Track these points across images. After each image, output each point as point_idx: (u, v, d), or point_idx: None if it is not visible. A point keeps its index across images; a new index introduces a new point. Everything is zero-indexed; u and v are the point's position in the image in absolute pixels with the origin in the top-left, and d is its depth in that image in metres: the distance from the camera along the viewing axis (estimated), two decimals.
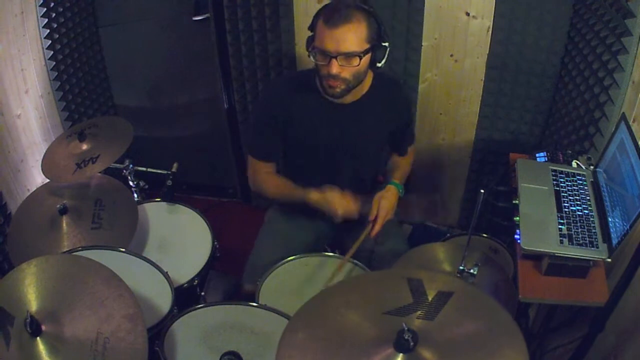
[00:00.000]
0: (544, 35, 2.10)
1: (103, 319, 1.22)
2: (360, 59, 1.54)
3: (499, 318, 1.16)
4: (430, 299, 1.18)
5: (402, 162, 1.98)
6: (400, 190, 1.86)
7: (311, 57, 1.59)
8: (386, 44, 1.58)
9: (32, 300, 1.23)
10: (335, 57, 1.52)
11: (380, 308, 1.17)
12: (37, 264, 1.28)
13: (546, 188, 1.68)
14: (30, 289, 1.25)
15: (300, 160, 1.88)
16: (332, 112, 1.73)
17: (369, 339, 1.12)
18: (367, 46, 1.54)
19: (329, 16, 1.50)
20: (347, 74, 1.56)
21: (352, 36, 1.50)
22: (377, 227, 1.75)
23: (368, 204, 1.78)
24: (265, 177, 1.87)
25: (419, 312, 1.15)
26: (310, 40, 1.60)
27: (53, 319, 1.21)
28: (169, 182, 2.13)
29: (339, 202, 1.70)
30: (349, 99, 1.70)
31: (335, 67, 1.53)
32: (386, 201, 1.78)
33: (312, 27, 1.60)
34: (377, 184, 1.95)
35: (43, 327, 1.19)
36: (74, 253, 1.62)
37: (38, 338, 1.18)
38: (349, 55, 1.52)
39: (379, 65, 1.60)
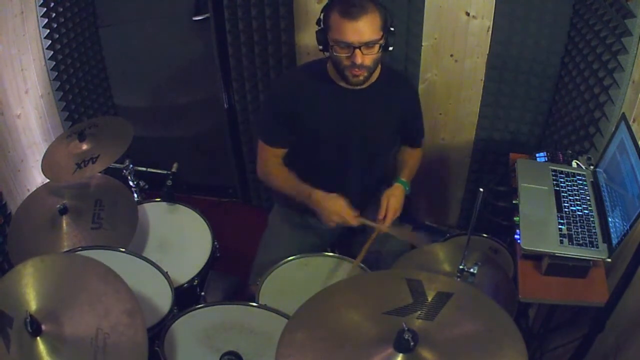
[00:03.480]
0: (544, 35, 2.10)
1: (102, 315, 1.22)
2: (380, 46, 1.62)
3: (499, 319, 1.16)
4: (429, 299, 1.18)
5: (410, 159, 1.99)
6: (407, 188, 1.88)
7: (331, 51, 1.64)
8: (393, 28, 1.65)
9: (31, 301, 1.23)
10: (359, 48, 1.58)
11: (380, 308, 1.17)
12: (33, 265, 1.28)
13: (546, 188, 1.68)
14: (28, 290, 1.25)
15: (310, 149, 1.90)
16: (344, 98, 1.77)
17: (369, 339, 1.12)
18: (382, 33, 1.61)
19: (345, 10, 1.56)
20: (368, 61, 1.63)
21: (370, 26, 1.57)
22: (388, 222, 1.78)
23: (372, 211, 1.81)
24: (275, 168, 1.89)
25: (418, 312, 1.15)
26: (322, 35, 1.64)
27: (52, 318, 1.21)
28: (169, 182, 2.13)
29: (337, 212, 1.72)
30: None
31: (359, 57, 1.60)
32: (395, 199, 1.81)
33: (321, 22, 1.64)
34: (385, 180, 1.95)
35: (43, 327, 1.19)
36: (75, 253, 1.63)
37: (38, 338, 1.18)
38: (370, 44, 1.59)
39: (390, 49, 1.67)
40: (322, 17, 1.63)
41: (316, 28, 1.66)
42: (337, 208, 1.72)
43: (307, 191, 1.78)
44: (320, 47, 1.66)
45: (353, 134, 1.82)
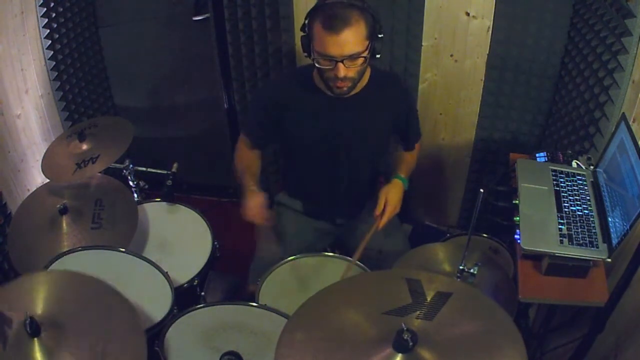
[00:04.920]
0: (544, 35, 2.10)
1: (104, 335, 1.21)
2: (365, 58, 1.58)
3: (498, 318, 1.16)
4: (428, 299, 1.18)
5: (407, 157, 1.99)
6: (405, 184, 1.87)
7: (314, 63, 1.60)
8: (381, 35, 1.61)
9: (38, 307, 1.23)
10: (342, 61, 1.54)
11: (380, 308, 1.17)
12: (46, 276, 1.30)
13: (546, 188, 1.68)
14: (38, 296, 1.25)
15: (298, 155, 1.90)
16: (331, 106, 1.75)
17: (369, 338, 1.12)
18: (367, 43, 1.56)
19: (327, 22, 1.51)
20: (352, 73, 1.60)
21: (354, 38, 1.52)
22: (385, 219, 1.76)
23: (370, 209, 1.81)
24: (242, 147, 1.92)
25: (417, 313, 1.15)
26: (306, 42, 1.61)
27: (54, 327, 1.20)
28: (169, 182, 2.13)
29: (249, 208, 1.77)
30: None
31: (342, 71, 1.56)
32: (393, 195, 1.79)
33: (305, 29, 1.60)
34: (377, 185, 1.95)
35: (42, 333, 1.18)
36: (75, 253, 1.64)
37: (35, 339, 1.17)
38: (353, 57, 1.55)
39: (377, 56, 1.63)
40: (306, 23, 1.59)
41: (301, 34, 1.62)
42: (250, 205, 1.75)
43: (246, 186, 1.81)
44: (306, 54, 1.63)
45: (337, 142, 1.80)
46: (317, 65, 1.59)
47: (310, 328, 1.17)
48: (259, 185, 1.81)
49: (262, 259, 1.88)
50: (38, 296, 1.25)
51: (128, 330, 1.23)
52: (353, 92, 1.72)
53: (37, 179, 2.44)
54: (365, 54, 1.56)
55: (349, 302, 1.22)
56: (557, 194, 1.66)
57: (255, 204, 1.76)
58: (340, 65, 1.55)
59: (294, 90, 1.77)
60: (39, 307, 1.23)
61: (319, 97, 1.73)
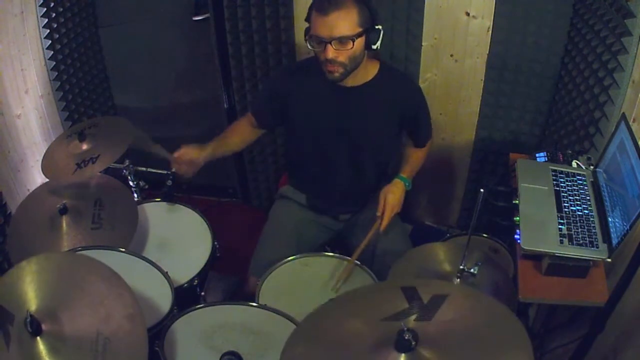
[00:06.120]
0: (544, 35, 2.10)
1: (103, 318, 1.21)
2: (354, 42, 1.61)
3: (497, 311, 1.15)
4: (425, 302, 1.16)
5: (413, 156, 2.00)
6: (407, 184, 1.89)
7: (308, 45, 1.66)
8: (379, 27, 1.65)
9: (32, 299, 1.22)
10: (330, 42, 1.59)
11: (378, 316, 1.15)
12: (37, 262, 1.27)
13: (546, 188, 1.68)
14: (30, 287, 1.24)
15: (303, 144, 1.92)
16: (335, 95, 1.78)
17: (370, 345, 1.10)
18: (359, 30, 1.60)
19: (320, 4, 1.59)
20: (343, 57, 1.63)
21: (343, 21, 1.58)
22: (386, 221, 1.79)
23: (372, 207, 1.81)
24: (240, 120, 2.05)
25: (416, 315, 1.14)
26: (307, 31, 1.67)
27: (53, 318, 1.20)
28: (169, 182, 2.13)
29: (182, 149, 1.90)
30: (352, 82, 1.75)
31: (330, 52, 1.61)
32: (392, 195, 1.82)
33: (307, 19, 1.68)
34: (384, 177, 1.96)
35: (43, 327, 1.18)
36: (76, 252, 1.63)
37: (38, 337, 1.18)
38: (342, 40, 1.60)
39: (373, 47, 1.66)
40: (308, 13, 1.66)
41: (303, 32, 1.69)
42: (186, 147, 1.90)
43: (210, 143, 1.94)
44: (306, 42, 1.69)
45: (337, 130, 1.83)
46: (310, 47, 1.65)
47: (310, 341, 1.16)
48: (211, 150, 1.94)
49: (264, 252, 1.90)
50: (32, 287, 1.24)
51: (129, 319, 1.23)
52: (357, 83, 1.76)
53: (37, 179, 2.44)
54: (354, 39, 1.60)
55: (347, 314, 1.20)
56: (557, 194, 1.66)
57: (187, 149, 1.89)
58: (329, 46, 1.60)
59: (302, 76, 1.83)
60: (35, 299, 1.22)
61: (325, 85, 1.76)
